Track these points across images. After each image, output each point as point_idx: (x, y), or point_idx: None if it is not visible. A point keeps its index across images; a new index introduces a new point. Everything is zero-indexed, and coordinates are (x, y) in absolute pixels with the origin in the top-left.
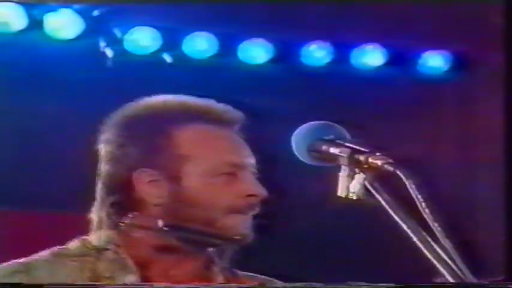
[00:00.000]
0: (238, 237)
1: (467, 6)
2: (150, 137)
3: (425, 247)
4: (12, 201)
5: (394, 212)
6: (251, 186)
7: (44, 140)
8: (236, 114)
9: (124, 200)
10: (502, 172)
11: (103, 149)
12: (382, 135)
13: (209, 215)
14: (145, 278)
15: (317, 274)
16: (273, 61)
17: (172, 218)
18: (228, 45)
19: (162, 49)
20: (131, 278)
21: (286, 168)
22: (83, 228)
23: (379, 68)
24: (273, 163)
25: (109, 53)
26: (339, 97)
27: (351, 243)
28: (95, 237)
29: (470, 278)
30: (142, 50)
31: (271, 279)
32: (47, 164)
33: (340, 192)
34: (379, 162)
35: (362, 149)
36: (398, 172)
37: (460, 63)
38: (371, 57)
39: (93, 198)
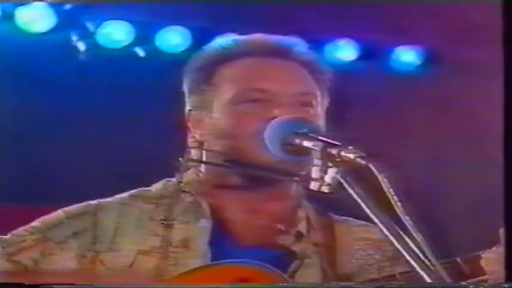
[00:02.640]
0: (302, 173)
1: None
2: (197, 79)
3: (397, 241)
4: None
5: (366, 206)
6: (278, 109)
7: (13, 132)
8: (287, 41)
9: (189, 140)
10: (479, 163)
11: None
12: (355, 130)
13: (234, 143)
14: (220, 222)
15: None
16: None
17: (210, 152)
18: (201, 39)
19: (135, 43)
20: (204, 223)
21: None
22: None
23: (352, 62)
24: None
25: (81, 46)
26: None
27: None
28: (175, 180)
29: (441, 271)
30: (115, 43)
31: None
32: (15, 155)
33: (313, 185)
34: (351, 156)
35: (335, 143)
36: (370, 166)
37: (432, 58)
38: (344, 52)
39: None
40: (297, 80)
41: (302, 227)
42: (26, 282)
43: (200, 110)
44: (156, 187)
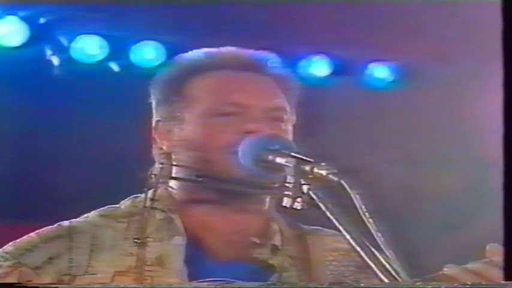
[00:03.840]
0: (275, 185)
1: (414, 19)
2: (167, 90)
3: (369, 258)
4: None
5: (339, 222)
6: (251, 123)
7: None
8: (259, 56)
9: (154, 152)
10: (456, 178)
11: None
12: (328, 146)
13: (205, 156)
14: (196, 240)
15: None
16: None
17: (180, 166)
18: (175, 54)
19: (109, 57)
20: (178, 240)
21: None
22: None
23: (325, 78)
24: None
25: (55, 61)
26: None
27: None
28: (143, 196)
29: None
30: (89, 58)
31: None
32: None
33: (286, 202)
34: (323, 173)
35: (307, 159)
36: (342, 182)
37: (405, 74)
38: (317, 67)
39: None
40: (270, 94)
41: (277, 240)
42: (25, 283)
43: (169, 120)
44: (125, 204)
